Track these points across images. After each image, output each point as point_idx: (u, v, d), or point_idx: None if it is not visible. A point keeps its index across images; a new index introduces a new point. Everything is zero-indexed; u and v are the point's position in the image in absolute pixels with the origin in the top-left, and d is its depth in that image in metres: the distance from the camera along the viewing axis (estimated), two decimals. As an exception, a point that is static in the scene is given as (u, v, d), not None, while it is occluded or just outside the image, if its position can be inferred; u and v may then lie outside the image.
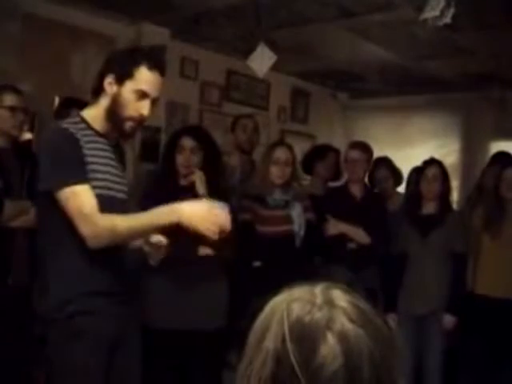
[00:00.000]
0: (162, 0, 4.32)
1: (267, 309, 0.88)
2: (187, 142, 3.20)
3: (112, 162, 2.17)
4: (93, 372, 2.04)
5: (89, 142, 2.07)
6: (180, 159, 3.19)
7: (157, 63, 2.14)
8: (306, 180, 4.56)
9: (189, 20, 4.73)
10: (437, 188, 3.69)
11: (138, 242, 2.27)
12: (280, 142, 3.87)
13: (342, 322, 0.82)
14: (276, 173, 3.48)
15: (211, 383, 3.24)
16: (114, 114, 2.11)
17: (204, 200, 2.13)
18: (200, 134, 3.30)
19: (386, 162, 4.49)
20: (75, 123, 2.11)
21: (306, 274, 3.53)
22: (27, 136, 4.13)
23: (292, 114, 6.60)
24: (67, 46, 4.63)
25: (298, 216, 3.50)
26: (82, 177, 2.00)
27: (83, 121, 2.13)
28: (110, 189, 2.11)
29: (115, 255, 2.12)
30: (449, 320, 3.59)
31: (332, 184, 4.55)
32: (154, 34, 4.98)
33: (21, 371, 3.09)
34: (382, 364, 0.81)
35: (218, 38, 5.15)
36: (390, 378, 0.82)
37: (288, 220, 3.50)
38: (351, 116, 7.01)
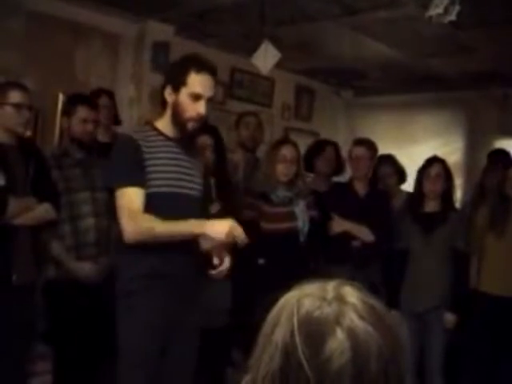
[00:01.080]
0: (166, -3, 4.32)
1: (279, 304, 0.88)
2: (207, 141, 3.28)
3: (182, 163, 2.45)
4: (140, 345, 2.32)
5: (155, 146, 2.39)
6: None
7: (204, 66, 2.41)
8: (309, 177, 4.55)
9: (193, 17, 4.73)
10: (439, 186, 3.69)
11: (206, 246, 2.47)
12: (285, 140, 3.87)
13: (352, 318, 0.82)
14: (282, 170, 3.49)
15: (215, 381, 3.25)
16: (177, 118, 2.42)
17: (227, 220, 2.34)
18: (216, 134, 3.41)
19: (390, 159, 4.49)
20: (144, 131, 2.47)
21: (310, 271, 3.55)
22: (28, 133, 4.12)
23: (296, 111, 6.60)
24: (71, 42, 4.64)
25: (301, 213, 3.51)
26: (134, 180, 2.31)
27: (154, 129, 2.46)
28: (175, 186, 2.39)
29: (175, 244, 2.32)
30: (450, 318, 3.59)
31: (336, 179, 4.54)
32: (158, 31, 4.99)
33: (25, 368, 3.10)
34: (390, 360, 0.82)
35: (221, 36, 5.15)
36: (398, 374, 0.83)
37: (292, 217, 3.50)
38: (355, 114, 7.00)
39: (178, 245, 2.32)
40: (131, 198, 2.30)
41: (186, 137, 2.47)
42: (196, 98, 2.39)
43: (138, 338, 2.32)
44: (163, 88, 2.44)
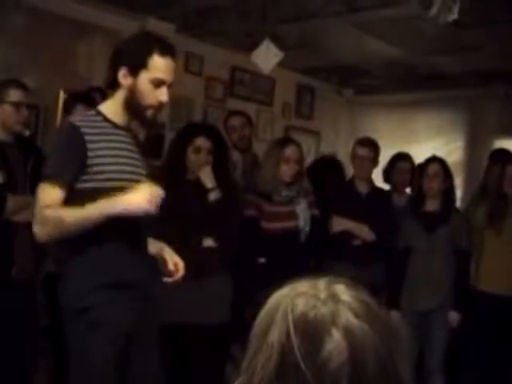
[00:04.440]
0: (167, -5, 4.32)
1: (270, 302, 0.87)
2: (205, 144, 3.21)
3: (131, 154, 2.21)
4: (107, 362, 2.08)
5: (101, 134, 2.11)
6: (196, 159, 3.20)
7: (167, 48, 2.16)
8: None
9: (194, 15, 4.72)
10: (437, 185, 3.69)
11: (154, 250, 2.32)
12: (288, 140, 3.85)
13: (347, 317, 0.81)
14: (287, 171, 3.48)
15: (215, 377, 3.25)
16: (133, 104, 2.15)
17: (142, 187, 2.10)
18: (215, 135, 3.34)
19: (408, 157, 4.56)
20: (90, 116, 2.17)
21: (311, 270, 3.55)
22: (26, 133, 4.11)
23: (297, 110, 6.58)
24: (72, 40, 4.63)
25: (303, 212, 3.51)
26: (61, 176, 2.05)
27: (100, 114, 2.17)
28: (119, 180, 2.12)
29: (133, 249, 2.16)
30: (454, 317, 3.60)
31: None
32: (159, 28, 4.94)
33: (26, 363, 3.11)
34: (387, 358, 0.81)
35: (222, 34, 5.14)
36: (396, 372, 0.82)
37: (293, 216, 3.50)
38: (356, 112, 6.99)
39: (132, 249, 2.15)
40: (50, 194, 2.04)
41: (142, 124, 2.25)
42: (158, 84, 2.13)
43: (104, 356, 2.07)
44: (115, 68, 2.15)
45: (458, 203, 4.21)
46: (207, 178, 3.19)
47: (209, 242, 3.09)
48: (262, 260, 3.45)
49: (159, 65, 2.13)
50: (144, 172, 2.25)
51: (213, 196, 3.18)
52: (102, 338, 2.06)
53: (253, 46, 4.25)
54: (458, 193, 4.47)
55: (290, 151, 3.50)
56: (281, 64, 4.41)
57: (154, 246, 2.34)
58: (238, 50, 5.34)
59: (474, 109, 6.16)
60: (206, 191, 3.17)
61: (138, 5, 4.59)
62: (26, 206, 2.92)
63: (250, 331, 0.87)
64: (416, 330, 3.64)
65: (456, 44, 4.80)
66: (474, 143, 6.15)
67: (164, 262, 2.32)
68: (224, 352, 3.36)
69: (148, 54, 2.12)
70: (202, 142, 3.20)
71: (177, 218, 2.97)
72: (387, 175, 4.56)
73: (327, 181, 4.26)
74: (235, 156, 4.20)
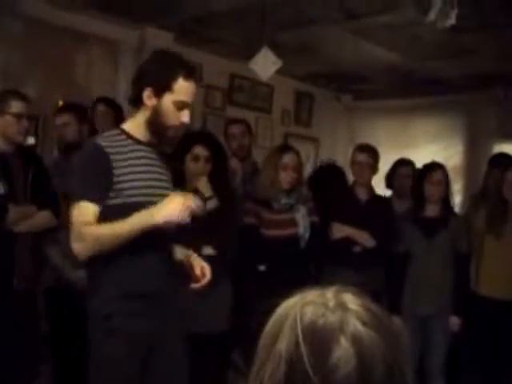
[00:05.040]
0: (166, 4, 4.32)
1: (279, 311, 0.88)
2: (203, 152, 3.23)
3: (155, 169, 2.28)
4: (121, 368, 2.16)
5: (124, 152, 2.19)
6: (195, 168, 3.22)
7: (191, 72, 2.24)
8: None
9: (192, 23, 4.74)
10: (442, 191, 3.71)
11: (181, 256, 2.39)
12: (287, 147, 3.86)
13: (355, 325, 0.82)
14: (285, 178, 3.49)
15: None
16: (155, 124, 2.22)
17: (174, 197, 2.16)
18: (213, 143, 3.35)
19: (410, 162, 4.59)
20: (113, 136, 2.25)
21: (311, 277, 3.55)
22: (30, 141, 4.16)
23: (295, 116, 6.60)
24: (71, 49, 4.65)
25: (302, 219, 3.51)
26: (90, 195, 2.14)
27: (123, 132, 2.25)
28: (144, 195, 2.20)
29: (157, 259, 2.23)
30: (455, 322, 3.60)
31: None
32: (158, 37, 4.99)
33: (26, 370, 3.10)
34: (394, 366, 0.82)
35: (221, 41, 5.15)
36: (403, 379, 0.82)
37: (293, 223, 3.50)
38: (355, 118, 7.00)
39: (157, 260, 2.22)
40: (84, 212, 2.13)
41: (163, 143, 2.32)
42: (181, 106, 2.22)
43: (119, 362, 2.16)
44: (140, 88, 2.22)
45: (458, 208, 4.21)
46: (204, 187, 3.21)
47: (208, 251, 3.09)
48: (262, 267, 3.45)
49: (183, 88, 2.20)
50: (169, 186, 2.34)
51: (209, 205, 3.19)
52: (118, 344, 2.14)
53: (251, 53, 4.26)
54: (458, 197, 4.48)
55: (288, 158, 3.51)
56: (279, 71, 4.42)
57: (182, 253, 2.40)
58: (237, 57, 5.35)
59: (472, 113, 6.16)
60: (205, 200, 3.18)
61: (137, 14, 4.60)
62: (26, 216, 2.94)
63: (255, 339, 0.87)
64: (416, 335, 3.64)
65: (454, 48, 4.81)
66: (473, 147, 6.16)
67: (191, 267, 2.36)
68: (225, 360, 3.36)
69: (173, 77, 2.18)
70: (200, 150, 3.22)
71: (175, 226, 2.97)
72: (389, 181, 4.57)
73: (330, 188, 4.28)
74: (234, 164, 4.20)
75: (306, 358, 0.79)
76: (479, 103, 6.06)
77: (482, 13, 3.95)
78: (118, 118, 4.16)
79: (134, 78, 2.27)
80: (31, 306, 3.08)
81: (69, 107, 3.68)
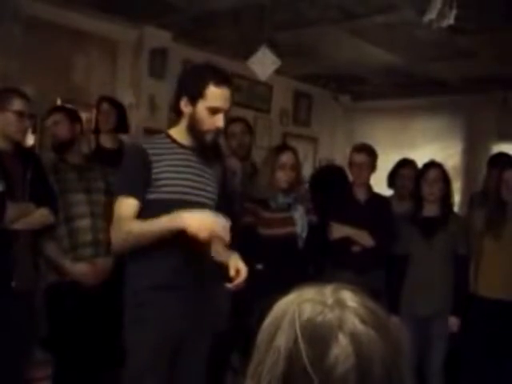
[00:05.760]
0: (164, 3, 4.32)
1: (277, 309, 0.88)
2: None
3: (194, 170, 2.46)
4: (148, 355, 2.31)
5: (165, 153, 2.40)
6: None
7: (222, 79, 2.39)
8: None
9: (190, 23, 4.74)
10: (438, 190, 3.70)
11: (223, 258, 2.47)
12: (284, 147, 3.87)
13: (354, 323, 0.82)
14: (282, 177, 3.49)
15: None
16: (194, 130, 2.41)
17: (207, 211, 2.32)
18: None
19: (412, 163, 4.58)
20: (158, 139, 2.49)
21: (309, 276, 3.54)
22: (30, 141, 4.18)
23: (294, 116, 6.60)
24: (70, 49, 4.64)
25: (300, 218, 3.51)
26: (131, 191, 2.34)
27: (168, 136, 2.47)
28: (182, 193, 2.39)
29: (187, 253, 2.33)
30: (454, 322, 3.60)
31: None
32: (156, 37, 5.00)
33: (24, 372, 3.10)
34: (392, 364, 0.82)
35: (219, 41, 5.16)
36: (400, 378, 0.82)
37: (290, 222, 3.50)
38: (353, 118, 7.01)
39: (189, 255, 2.33)
40: (123, 207, 2.33)
41: (202, 146, 2.47)
42: (214, 111, 2.37)
43: (148, 351, 2.32)
44: (178, 98, 2.42)
45: (457, 208, 4.20)
46: None
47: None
48: (260, 266, 3.45)
49: (215, 94, 2.35)
50: (210, 189, 2.51)
51: None
52: (145, 332, 2.32)
53: (250, 53, 4.26)
54: (457, 198, 4.48)
55: (285, 158, 3.51)
56: (278, 71, 4.42)
57: (226, 254, 2.47)
58: (236, 57, 5.35)
59: (471, 114, 6.17)
60: None
61: (135, 14, 4.60)
62: (25, 214, 2.93)
63: (255, 338, 0.87)
64: (415, 335, 3.64)
65: (453, 50, 4.82)
66: (472, 148, 6.17)
67: (227, 268, 2.44)
68: (224, 361, 3.35)
69: (204, 85, 2.35)
70: None
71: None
72: (391, 181, 4.57)
73: (331, 188, 4.28)
74: (234, 163, 4.19)
75: (304, 355, 0.79)
76: (478, 104, 6.07)
77: (482, 15, 3.96)
78: (121, 115, 4.21)
79: (175, 90, 2.48)
80: (30, 308, 3.06)
81: (60, 108, 3.73)
